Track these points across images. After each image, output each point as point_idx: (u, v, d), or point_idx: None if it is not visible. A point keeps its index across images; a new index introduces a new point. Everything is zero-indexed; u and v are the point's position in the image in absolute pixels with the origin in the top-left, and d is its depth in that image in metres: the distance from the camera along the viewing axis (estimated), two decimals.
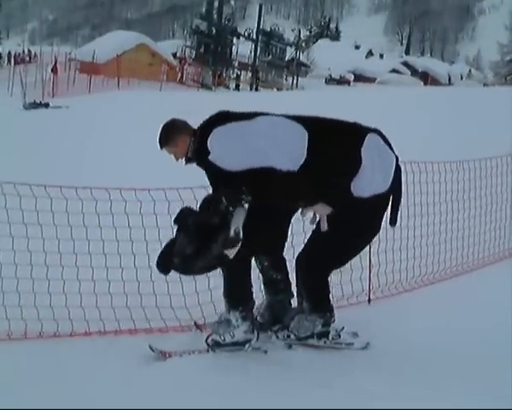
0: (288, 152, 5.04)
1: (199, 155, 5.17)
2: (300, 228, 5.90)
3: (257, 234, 5.35)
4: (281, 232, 5.65)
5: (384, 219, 5.42)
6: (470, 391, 4.86)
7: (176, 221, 5.17)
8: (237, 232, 5.07)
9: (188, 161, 5.34)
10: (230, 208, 5.09)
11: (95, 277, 5.96)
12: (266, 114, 5.28)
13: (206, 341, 5.44)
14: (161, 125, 5.38)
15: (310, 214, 5.42)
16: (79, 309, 5.81)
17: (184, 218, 5.13)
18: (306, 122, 5.19)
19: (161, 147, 5.39)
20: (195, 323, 5.87)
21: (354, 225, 5.22)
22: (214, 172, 5.13)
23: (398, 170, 5.30)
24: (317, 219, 5.37)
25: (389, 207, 5.36)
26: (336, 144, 5.16)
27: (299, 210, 5.46)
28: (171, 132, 5.34)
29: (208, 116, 5.27)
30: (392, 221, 5.45)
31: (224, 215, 5.07)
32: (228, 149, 5.03)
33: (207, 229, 5.05)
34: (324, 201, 5.19)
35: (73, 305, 5.82)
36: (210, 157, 5.04)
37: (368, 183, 5.10)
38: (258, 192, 5.09)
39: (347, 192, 5.09)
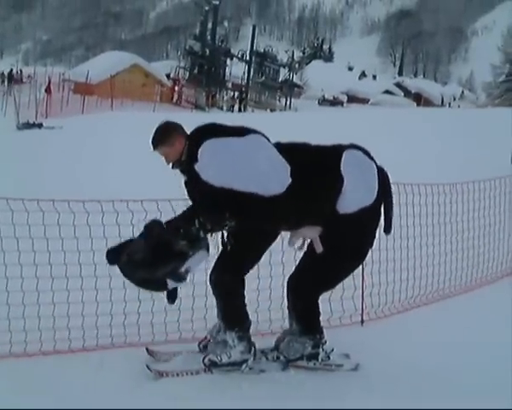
0: (274, 175, 5.03)
1: (188, 161, 5.10)
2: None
3: (245, 259, 5.39)
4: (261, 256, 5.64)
5: (375, 244, 5.40)
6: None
7: (144, 226, 5.15)
8: (186, 271, 5.06)
9: (175, 164, 5.24)
10: (201, 233, 5.07)
11: (84, 286, 6.00)
12: (255, 132, 5.23)
13: (203, 361, 5.41)
14: (156, 126, 5.30)
15: (298, 241, 5.42)
16: (67, 320, 5.81)
17: (152, 227, 5.10)
18: (283, 149, 5.19)
19: (155, 147, 5.25)
20: (146, 349, 5.76)
21: (344, 243, 5.21)
22: (195, 183, 5.05)
23: (384, 178, 5.31)
24: (306, 244, 5.38)
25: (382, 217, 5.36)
26: (316, 167, 5.16)
27: (288, 239, 5.45)
28: (168, 132, 5.25)
29: (198, 126, 5.22)
30: (387, 229, 5.44)
31: (189, 243, 5.05)
32: (215, 164, 4.97)
33: (166, 249, 5.02)
34: (310, 223, 5.19)
35: (61, 316, 5.82)
36: (196, 166, 4.99)
37: (352, 198, 5.10)
38: (239, 215, 5.06)
39: (333, 212, 5.10)
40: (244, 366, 5.44)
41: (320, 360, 5.61)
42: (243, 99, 66.13)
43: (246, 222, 5.15)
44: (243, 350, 5.43)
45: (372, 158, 5.30)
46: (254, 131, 5.23)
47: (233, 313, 5.45)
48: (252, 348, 5.48)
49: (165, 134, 5.25)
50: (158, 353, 5.68)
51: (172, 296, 5.18)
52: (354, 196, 5.11)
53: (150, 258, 5.00)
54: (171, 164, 5.25)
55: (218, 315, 5.51)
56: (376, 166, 5.29)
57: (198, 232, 5.06)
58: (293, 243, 5.43)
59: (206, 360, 5.42)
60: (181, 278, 5.07)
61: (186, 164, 5.11)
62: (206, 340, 5.67)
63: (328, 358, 5.64)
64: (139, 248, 5.04)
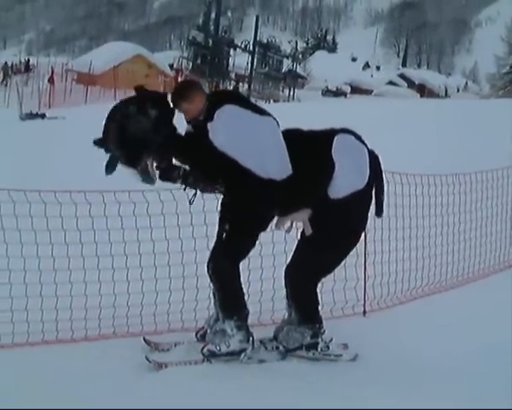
0: (278, 162, 5.06)
1: (204, 119, 5.09)
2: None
3: (242, 245, 5.37)
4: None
5: (377, 235, 5.41)
6: (467, 403, 4.83)
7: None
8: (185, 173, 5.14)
9: (192, 121, 5.24)
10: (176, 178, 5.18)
11: (87, 279, 5.99)
12: (271, 116, 5.24)
13: (202, 351, 5.39)
14: (179, 83, 5.29)
15: (286, 224, 5.43)
16: (70, 313, 5.83)
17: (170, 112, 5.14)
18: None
19: (175, 103, 5.21)
20: (143, 339, 5.74)
21: (337, 228, 5.22)
22: (202, 140, 5.05)
23: (375, 162, 5.32)
24: (294, 227, 5.40)
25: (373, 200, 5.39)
26: (307, 153, 5.18)
27: (276, 221, 5.47)
28: (190, 89, 5.28)
29: (222, 89, 5.23)
30: (378, 212, 5.46)
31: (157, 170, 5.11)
32: (227, 130, 5.00)
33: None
34: (301, 208, 5.21)
35: (64, 308, 5.83)
36: (209, 124, 5.01)
37: (343, 183, 5.12)
38: (231, 186, 5.12)
39: (324, 196, 5.12)
40: (243, 355, 5.42)
41: (319, 349, 5.62)
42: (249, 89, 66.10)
43: (235, 196, 5.17)
44: (242, 339, 5.40)
45: (363, 141, 5.32)
46: (271, 115, 5.25)
47: (231, 302, 5.41)
48: (250, 338, 5.46)
49: (185, 90, 5.30)
50: (157, 343, 5.67)
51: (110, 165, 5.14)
52: (345, 180, 5.13)
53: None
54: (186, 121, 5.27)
55: (216, 304, 5.48)
56: (367, 149, 5.31)
57: (171, 174, 5.15)
58: (279, 225, 5.44)
59: (204, 350, 5.39)
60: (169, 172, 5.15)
61: (202, 122, 5.11)
62: (204, 330, 5.65)
63: (328, 348, 5.65)
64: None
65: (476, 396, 4.96)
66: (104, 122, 5.09)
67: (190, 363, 5.36)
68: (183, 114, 5.26)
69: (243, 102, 5.26)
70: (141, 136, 4.98)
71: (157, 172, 5.13)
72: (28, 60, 72.53)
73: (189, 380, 5.08)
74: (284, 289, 5.59)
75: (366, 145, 5.32)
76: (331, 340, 5.67)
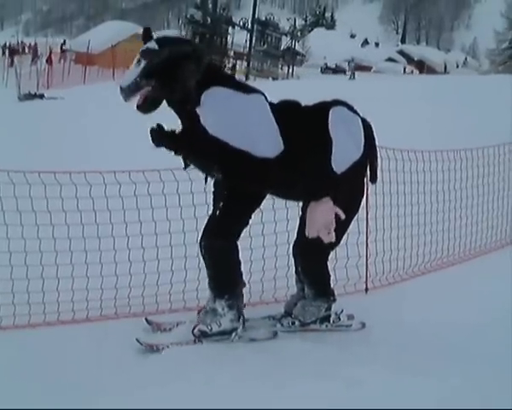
0: (268, 139, 5.00)
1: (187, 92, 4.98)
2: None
3: (239, 221, 5.34)
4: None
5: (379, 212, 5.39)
6: (469, 381, 4.82)
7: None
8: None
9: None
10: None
11: (88, 260, 5.98)
12: (258, 91, 5.18)
13: (193, 331, 5.35)
14: None
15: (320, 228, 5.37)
16: (72, 294, 5.83)
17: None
18: (273, 110, 5.15)
19: None
20: (145, 320, 5.74)
21: (342, 200, 5.17)
22: (192, 123, 5.00)
23: (368, 130, 5.33)
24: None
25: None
26: (304, 129, 5.15)
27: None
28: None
29: (206, 66, 5.14)
30: (373, 179, 5.53)
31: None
32: (217, 114, 4.92)
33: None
34: (304, 186, 5.14)
35: (65, 290, 5.82)
36: (197, 109, 4.93)
37: (343, 157, 5.11)
38: (227, 171, 5.06)
39: (331, 172, 5.09)
40: (234, 334, 5.38)
41: (332, 321, 5.71)
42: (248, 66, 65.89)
43: (232, 179, 5.13)
44: (233, 318, 5.35)
45: (356, 111, 5.33)
46: (257, 91, 5.19)
47: (223, 280, 5.35)
48: (240, 317, 5.42)
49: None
50: (159, 324, 5.66)
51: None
52: (344, 154, 5.13)
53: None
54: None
55: (209, 283, 5.42)
56: (360, 118, 5.32)
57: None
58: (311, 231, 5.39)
59: (195, 331, 5.35)
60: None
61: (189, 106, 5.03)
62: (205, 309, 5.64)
63: (339, 319, 5.75)
64: None
65: (481, 372, 4.95)
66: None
67: (181, 344, 5.30)
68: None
69: (228, 81, 5.16)
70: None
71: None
72: (35, 43, 71.85)
73: (194, 359, 5.05)
74: (286, 268, 5.58)
75: (358, 114, 5.33)
76: (342, 311, 5.78)
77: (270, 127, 5.04)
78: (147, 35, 5.06)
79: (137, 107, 4.99)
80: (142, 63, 4.88)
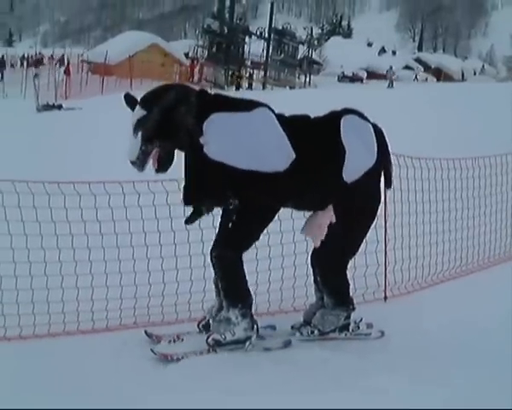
0: (277, 152, 5.02)
1: (192, 132, 5.02)
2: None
3: (251, 234, 5.36)
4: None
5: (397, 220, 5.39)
6: (489, 389, 4.80)
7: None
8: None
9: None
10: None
11: (93, 271, 6.03)
12: (261, 105, 5.19)
13: (207, 341, 5.35)
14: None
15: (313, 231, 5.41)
16: (91, 304, 5.87)
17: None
18: (283, 122, 5.16)
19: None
20: (145, 332, 5.72)
21: (356, 209, 5.25)
22: (197, 156, 5.03)
23: (380, 137, 5.37)
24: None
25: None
26: (317, 140, 5.18)
27: (302, 227, 5.53)
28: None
29: (200, 91, 5.15)
30: (387, 184, 5.58)
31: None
32: (219, 140, 4.94)
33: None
34: (317, 198, 5.22)
35: (84, 299, 5.88)
36: (201, 139, 4.96)
37: (356, 165, 5.16)
38: (242, 194, 5.08)
39: (340, 182, 5.13)
40: (248, 343, 5.39)
41: (351, 330, 5.72)
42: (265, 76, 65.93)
43: (249, 201, 5.13)
44: (246, 327, 5.36)
45: (367, 119, 5.36)
46: (261, 105, 5.19)
47: (236, 290, 5.37)
48: (254, 326, 5.43)
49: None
50: (159, 336, 5.63)
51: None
52: (357, 162, 5.17)
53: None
54: None
55: (220, 293, 5.42)
56: (372, 125, 5.35)
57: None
58: (307, 231, 5.45)
59: (209, 340, 5.35)
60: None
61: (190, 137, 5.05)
62: (206, 320, 5.63)
63: (358, 327, 5.76)
64: None
65: (503, 379, 4.94)
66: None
67: (196, 354, 5.31)
68: None
69: (226, 104, 5.15)
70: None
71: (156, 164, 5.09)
72: (63, 54, 71.88)
73: (212, 369, 5.06)
74: (306, 278, 5.58)
75: (370, 122, 5.36)
76: (361, 320, 5.79)
77: (277, 139, 5.06)
78: (129, 101, 5.17)
79: (156, 171, 5.10)
80: (139, 133, 4.97)
